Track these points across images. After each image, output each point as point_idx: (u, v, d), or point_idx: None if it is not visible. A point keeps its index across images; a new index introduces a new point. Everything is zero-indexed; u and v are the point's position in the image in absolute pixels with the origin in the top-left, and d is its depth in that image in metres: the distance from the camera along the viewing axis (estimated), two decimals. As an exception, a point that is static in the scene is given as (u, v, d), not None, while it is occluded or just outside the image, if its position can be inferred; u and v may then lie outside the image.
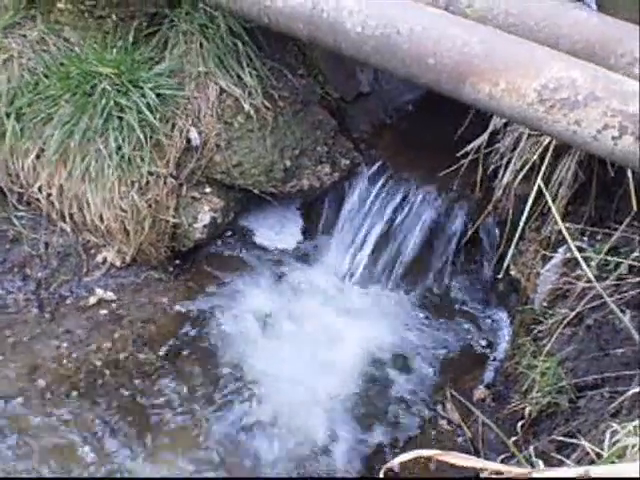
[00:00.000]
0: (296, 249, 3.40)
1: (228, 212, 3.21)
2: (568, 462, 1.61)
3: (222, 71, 2.98)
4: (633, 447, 1.18)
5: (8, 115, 2.99)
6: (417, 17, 1.82)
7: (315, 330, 3.10)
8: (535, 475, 1.08)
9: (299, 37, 2.00)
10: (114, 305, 3.05)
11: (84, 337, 2.93)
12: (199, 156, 3.03)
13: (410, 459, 1.12)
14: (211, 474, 2.60)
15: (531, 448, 1.58)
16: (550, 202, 2.14)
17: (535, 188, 2.48)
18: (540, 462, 1.26)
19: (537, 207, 2.60)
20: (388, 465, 1.18)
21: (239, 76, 2.99)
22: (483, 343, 3.07)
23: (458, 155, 2.77)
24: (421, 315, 3.16)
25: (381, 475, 1.17)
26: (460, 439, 2.73)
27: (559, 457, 1.75)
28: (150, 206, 2.97)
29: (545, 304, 2.55)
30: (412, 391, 2.91)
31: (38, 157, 2.99)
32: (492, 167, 2.75)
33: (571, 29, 1.89)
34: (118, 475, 2.56)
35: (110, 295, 3.06)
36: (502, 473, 1.11)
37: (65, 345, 2.91)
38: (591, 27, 1.89)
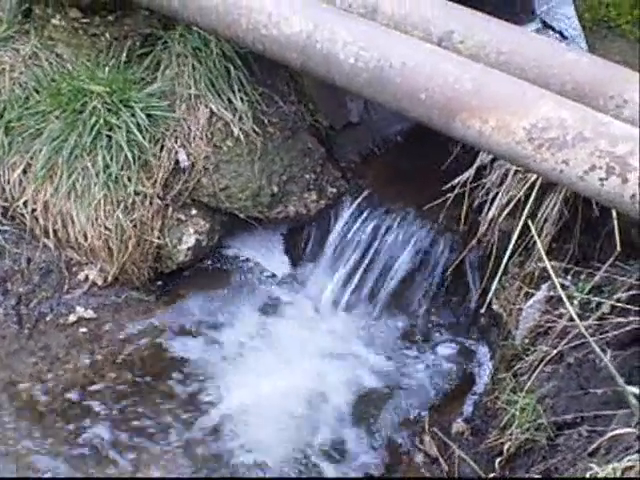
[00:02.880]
0: (280, 275, 3.39)
1: (213, 235, 3.21)
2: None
3: (213, 94, 2.99)
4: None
5: (-4, 128, 2.99)
6: (410, 51, 1.84)
7: (295, 357, 3.09)
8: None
9: (292, 66, 2.02)
10: (94, 324, 3.02)
11: (62, 355, 2.91)
12: (187, 178, 3.03)
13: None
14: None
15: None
16: (537, 238, 2.15)
17: (520, 224, 2.51)
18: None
19: (521, 243, 2.62)
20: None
21: (230, 100, 3.01)
22: (463, 377, 3.07)
23: (444, 188, 2.79)
24: (402, 346, 3.15)
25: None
26: (437, 473, 2.71)
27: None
28: (135, 226, 2.96)
29: (526, 340, 2.56)
30: (389, 422, 2.89)
31: (25, 172, 2.98)
32: (478, 201, 2.77)
33: (561, 69, 1.92)
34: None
35: (90, 314, 3.04)
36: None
37: (43, 362, 2.88)
38: (581, 68, 1.91)
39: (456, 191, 2.75)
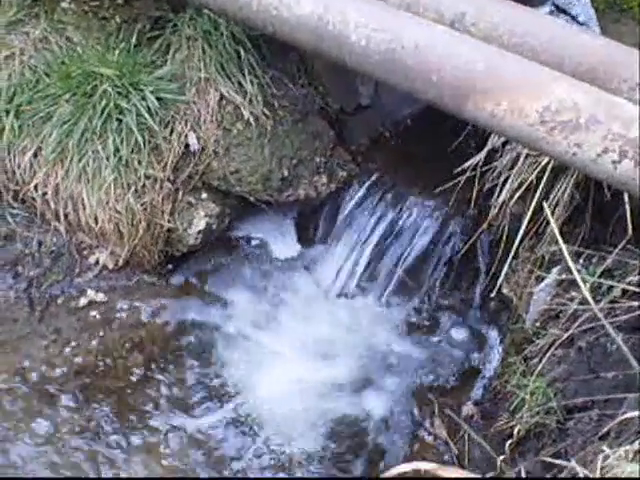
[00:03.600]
0: (290, 258, 3.39)
1: (223, 219, 3.20)
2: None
3: (223, 78, 2.97)
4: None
5: (7, 112, 2.98)
6: (422, 33, 1.82)
7: (303, 340, 3.10)
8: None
9: (304, 48, 2.01)
10: (105, 307, 3.04)
11: (73, 338, 2.93)
12: (197, 161, 3.02)
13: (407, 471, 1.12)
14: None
15: (522, 467, 1.57)
16: (551, 220, 2.14)
17: (531, 207, 2.50)
18: (530, 483, 1.26)
19: (532, 226, 2.61)
20: (385, 475, 1.18)
21: (240, 83, 2.99)
22: (473, 360, 3.07)
23: (455, 172, 2.77)
24: (411, 330, 3.16)
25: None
26: (446, 456, 2.72)
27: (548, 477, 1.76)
28: (145, 209, 2.96)
29: (537, 324, 2.56)
30: (398, 405, 2.91)
31: (35, 155, 2.97)
32: (489, 185, 2.76)
33: (575, 51, 1.90)
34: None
35: (101, 297, 3.05)
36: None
37: (54, 345, 2.90)
38: (595, 50, 1.90)
39: (467, 174, 2.74)
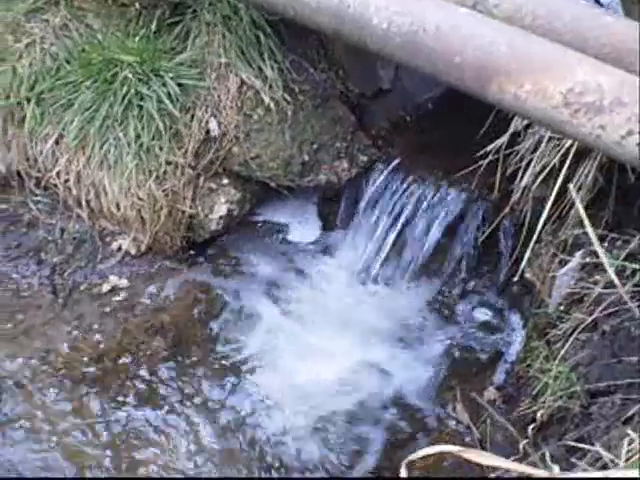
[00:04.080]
0: (312, 243, 3.40)
1: (244, 204, 3.21)
2: (584, 465, 1.60)
3: (243, 63, 2.97)
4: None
5: (28, 100, 3.00)
6: (444, 15, 1.81)
7: (323, 322, 3.10)
8: (559, 476, 1.08)
9: (324, 31, 2.00)
10: (127, 293, 3.06)
11: (96, 323, 2.95)
12: (217, 147, 3.03)
13: (431, 454, 1.12)
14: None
15: (547, 451, 1.57)
16: (578, 203, 2.12)
17: (554, 191, 2.48)
18: (555, 466, 1.25)
19: (555, 210, 2.59)
20: (411, 458, 1.18)
21: (260, 68, 2.99)
22: (494, 345, 3.06)
23: (477, 155, 2.75)
24: (433, 314, 3.15)
25: (402, 469, 1.16)
26: (468, 439, 2.72)
27: (572, 461, 1.75)
28: (167, 195, 2.98)
29: (560, 308, 2.54)
30: (420, 389, 2.91)
31: (57, 142, 3.00)
32: (511, 169, 2.73)
33: (599, 33, 1.87)
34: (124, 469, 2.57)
35: (124, 283, 3.07)
36: (525, 475, 1.10)
37: (77, 331, 2.92)
38: (619, 32, 1.87)
39: (489, 158, 2.72)
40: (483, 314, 3.15)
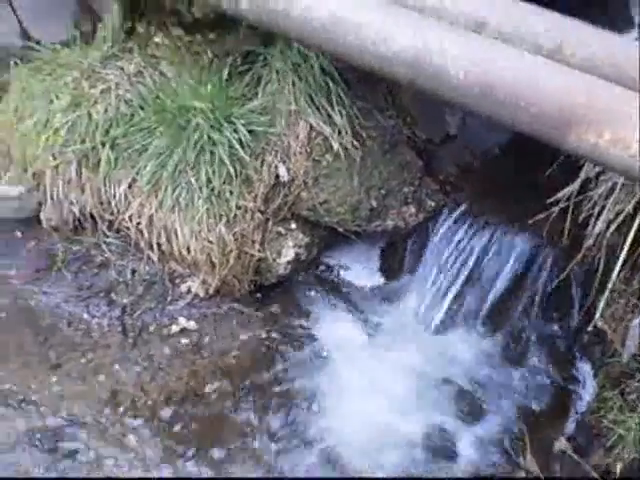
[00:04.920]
0: (376, 287, 3.40)
1: (312, 248, 3.24)
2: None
3: (312, 109, 3.01)
4: None
5: (103, 144, 3.09)
6: (521, 64, 1.81)
7: (390, 369, 3.08)
8: None
9: (399, 81, 2.01)
10: (195, 335, 3.09)
11: (165, 364, 2.98)
12: (286, 192, 3.07)
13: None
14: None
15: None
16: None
17: (629, 238, 2.44)
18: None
19: (628, 258, 2.55)
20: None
21: (329, 114, 3.03)
22: (564, 394, 3.00)
23: (548, 202, 2.73)
24: (502, 362, 3.11)
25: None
26: (539, 491, 2.67)
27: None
28: (236, 239, 3.01)
29: (637, 358, 2.49)
30: (490, 438, 2.86)
31: (130, 186, 3.06)
32: (583, 215, 2.70)
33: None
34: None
35: (192, 325, 3.11)
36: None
37: (146, 371, 2.95)
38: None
39: (560, 205, 2.70)
40: (553, 363, 3.09)
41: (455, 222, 3.21)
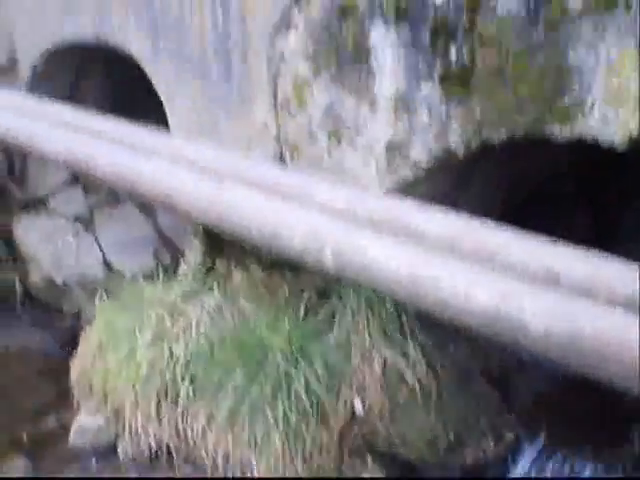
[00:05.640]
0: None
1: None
2: None
3: (386, 343, 3.08)
4: None
5: (183, 378, 3.17)
6: (599, 319, 1.84)
7: None
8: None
9: (476, 333, 2.07)
10: None
11: None
12: (362, 426, 3.06)
13: None
14: None
15: None
16: None
17: None
18: None
19: None
20: None
21: (402, 348, 3.08)
22: None
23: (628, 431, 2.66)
24: None
25: None
26: None
27: None
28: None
29: None
30: None
31: (208, 421, 3.10)
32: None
33: None
34: None
35: None
36: None
37: None
38: None
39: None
40: None
41: (535, 453, 3.13)
